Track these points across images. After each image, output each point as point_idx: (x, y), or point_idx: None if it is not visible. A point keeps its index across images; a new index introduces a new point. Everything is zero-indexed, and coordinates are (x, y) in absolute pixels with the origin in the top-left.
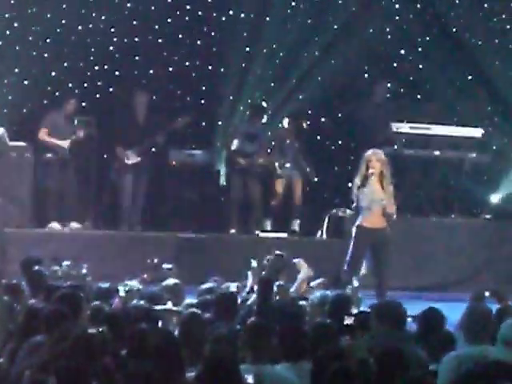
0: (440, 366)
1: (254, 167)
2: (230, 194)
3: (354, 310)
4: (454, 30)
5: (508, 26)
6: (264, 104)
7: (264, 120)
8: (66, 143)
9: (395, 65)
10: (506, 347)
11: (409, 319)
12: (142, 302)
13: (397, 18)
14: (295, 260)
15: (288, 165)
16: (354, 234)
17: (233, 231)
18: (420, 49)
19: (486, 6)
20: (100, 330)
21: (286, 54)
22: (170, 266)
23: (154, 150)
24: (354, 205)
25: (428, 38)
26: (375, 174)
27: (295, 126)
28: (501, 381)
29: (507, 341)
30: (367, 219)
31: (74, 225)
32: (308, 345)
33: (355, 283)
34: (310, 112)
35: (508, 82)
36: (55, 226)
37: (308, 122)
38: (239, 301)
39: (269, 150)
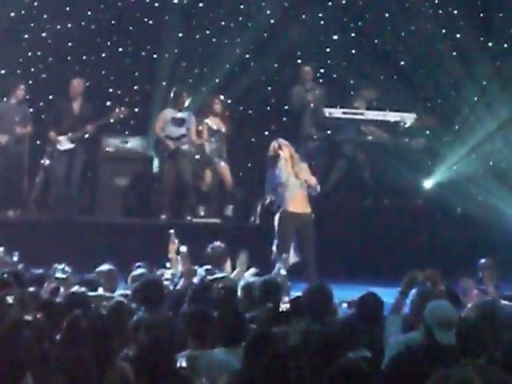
0: (387, 350)
1: (183, 151)
2: (160, 179)
3: (285, 298)
4: (387, 15)
5: (440, 11)
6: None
7: (186, 104)
8: (4, 138)
9: (328, 50)
10: (439, 329)
11: (344, 305)
12: (75, 288)
13: (329, 3)
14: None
15: (212, 149)
16: (278, 220)
17: (163, 217)
18: (353, 34)
19: None
20: (36, 316)
21: (220, 40)
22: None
23: (87, 136)
24: (270, 199)
25: (360, 24)
26: (285, 158)
27: (218, 105)
28: (430, 364)
29: (440, 322)
30: (292, 204)
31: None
32: (245, 330)
33: (283, 271)
34: (242, 98)
35: (439, 66)
36: None
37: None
38: (171, 287)
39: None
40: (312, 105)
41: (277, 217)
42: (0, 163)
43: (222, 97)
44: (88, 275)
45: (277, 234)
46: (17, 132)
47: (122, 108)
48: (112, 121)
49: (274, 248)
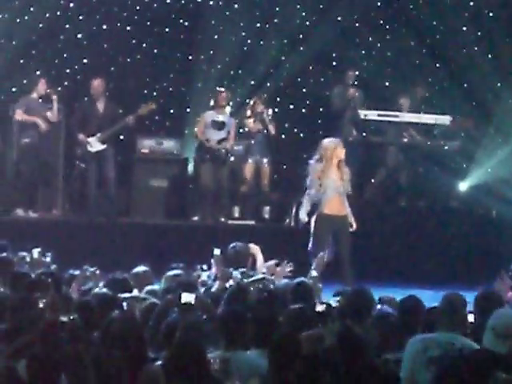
0: (406, 349)
1: (222, 155)
2: (198, 181)
3: (316, 300)
4: (421, 17)
5: (475, 13)
6: (228, 92)
7: (229, 108)
8: (41, 121)
9: (363, 52)
10: (494, 336)
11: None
12: (105, 290)
13: (364, 6)
14: (250, 245)
15: (254, 150)
16: (314, 223)
17: (195, 218)
18: (388, 36)
19: None
20: (71, 317)
21: (255, 41)
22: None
23: (122, 137)
24: (311, 192)
25: (396, 25)
26: (333, 159)
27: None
28: (490, 370)
29: (496, 330)
30: (328, 207)
31: (20, 212)
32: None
33: (314, 273)
34: (278, 99)
35: (475, 69)
36: (20, 212)
37: (269, 109)
38: (203, 289)
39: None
40: (352, 105)
41: (313, 219)
42: (34, 163)
43: (265, 96)
44: (121, 276)
45: (312, 237)
46: (47, 117)
47: (150, 103)
48: (142, 114)
49: (309, 250)
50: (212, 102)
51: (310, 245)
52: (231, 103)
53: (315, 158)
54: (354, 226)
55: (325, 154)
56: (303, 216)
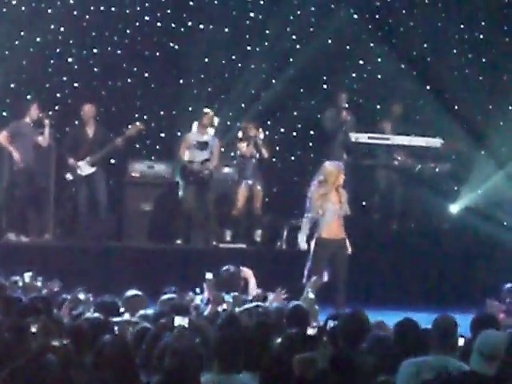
0: (399, 372)
1: (206, 175)
2: (181, 204)
3: (313, 323)
4: (412, 39)
5: (466, 36)
6: (211, 112)
7: (213, 129)
8: (17, 155)
9: (354, 75)
10: (480, 358)
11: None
12: (96, 314)
13: (355, 29)
14: (242, 269)
15: (246, 174)
16: (313, 247)
17: (178, 242)
18: (379, 59)
19: (443, 15)
20: (63, 342)
21: (245, 65)
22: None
23: (113, 161)
24: (310, 215)
25: (386, 48)
26: (334, 183)
27: (254, 135)
28: None
29: (482, 351)
30: (326, 231)
31: (12, 237)
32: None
33: (311, 295)
34: (269, 122)
35: (466, 91)
36: (12, 237)
37: (261, 133)
38: (195, 313)
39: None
40: (344, 128)
41: (312, 243)
42: (26, 189)
43: (245, 129)
44: (111, 299)
45: (310, 259)
46: (38, 142)
47: (137, 123)
48: (130, 135)
49: (306, 272)
50: (196, 123)
51: (306, 267)
52: (216, 123)
53: (318, 180)
54: (349, 249)
55: (329, 178)
56: (303, 244)
